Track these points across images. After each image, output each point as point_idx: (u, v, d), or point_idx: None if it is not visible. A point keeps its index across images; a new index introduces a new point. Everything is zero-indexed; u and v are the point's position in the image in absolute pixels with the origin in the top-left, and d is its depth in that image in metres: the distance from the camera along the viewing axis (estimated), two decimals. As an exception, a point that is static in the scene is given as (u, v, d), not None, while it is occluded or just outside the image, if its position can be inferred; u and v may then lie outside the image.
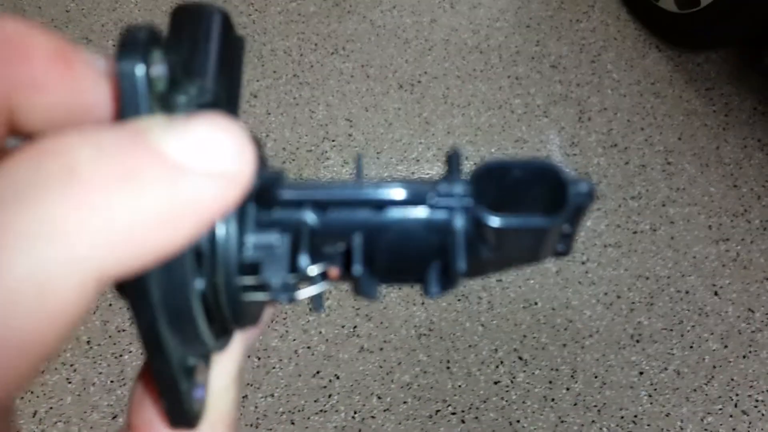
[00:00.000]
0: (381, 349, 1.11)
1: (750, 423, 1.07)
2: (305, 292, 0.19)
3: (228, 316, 0.18)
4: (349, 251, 0.19)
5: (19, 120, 0.15)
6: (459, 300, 1.15)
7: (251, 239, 0.18)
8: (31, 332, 0.11)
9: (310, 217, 0.18)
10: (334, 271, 0.19)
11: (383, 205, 0.18)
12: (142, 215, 0.12)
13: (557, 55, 1.42)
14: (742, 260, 1.20)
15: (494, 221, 0.17)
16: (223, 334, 0.19)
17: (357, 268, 0.18)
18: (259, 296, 0.18)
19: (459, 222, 0.18)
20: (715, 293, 1.17)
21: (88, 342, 1.09)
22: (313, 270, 0.18)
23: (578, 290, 1.17)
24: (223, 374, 0.20)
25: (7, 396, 0.12)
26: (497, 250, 0.19)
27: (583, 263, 1.19)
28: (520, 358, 1.11)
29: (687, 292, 1.17)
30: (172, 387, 0.17)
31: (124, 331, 1.10)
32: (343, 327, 1.12)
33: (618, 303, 1.16)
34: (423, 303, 1.14)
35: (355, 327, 1.12)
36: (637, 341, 1.13)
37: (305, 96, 1.35)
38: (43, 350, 0.12)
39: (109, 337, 1.10)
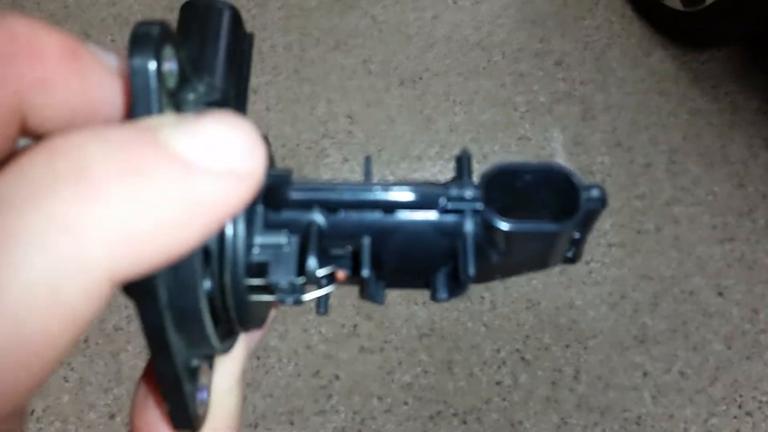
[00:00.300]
0: (381, 349, 1.10)
1: (753, 424, 1.07)
2: (312, 295, 0.19)
3: (234, 317, 0.18)
4: (357, 254, 0.19)
5: (30, 120, 0.15)
6: (461, 300, 1.14)
7: (259, 240, 0.18)
8: (44, 336, 0.11)
9: (319, 218, 0.18)
10: (342, 273, 0.19)
11: (393, 207, 0.18)
12: (153, 214, 0.12)
13: (561, 52, 1.41)
14: (746, 260, 1.19)
15: (505, 225, 0.17)
16: (228, 336, 0.19)
17: (366, 272, 0.18)
18: (266, 297, 0.18)
19: (469, 226, 0.18)
20: (720, 294, 1.16)
21: (85, 341, 1.08)
22: (321, 272, 0.18)
23: (582, 290, 1.15)
24: (226, 376, 0.20)
25: (21, 399, 0.12)
26: (507, 255, 0.19)
27: (586, 263, 1.18)
28: (523, 359, 1.10)
29: (691, 293, 1.16)
30: (175, 389, 0.17)
31: (121, 330, 1.09)
32: (343, 326, 1.11)
33: (622, 303, 1.15)
34: (424, 303, 1.13)
35: (355, 326, 1.11)
36: (641, 342, 1.12)
37: (306, 92, 1.34)
38: (56, 353, 0.12)
39: (107, 336, 1.09)
